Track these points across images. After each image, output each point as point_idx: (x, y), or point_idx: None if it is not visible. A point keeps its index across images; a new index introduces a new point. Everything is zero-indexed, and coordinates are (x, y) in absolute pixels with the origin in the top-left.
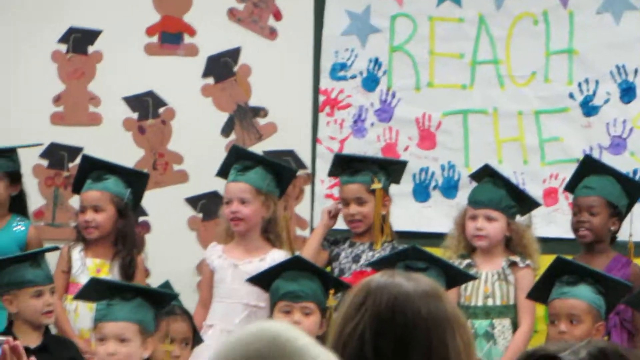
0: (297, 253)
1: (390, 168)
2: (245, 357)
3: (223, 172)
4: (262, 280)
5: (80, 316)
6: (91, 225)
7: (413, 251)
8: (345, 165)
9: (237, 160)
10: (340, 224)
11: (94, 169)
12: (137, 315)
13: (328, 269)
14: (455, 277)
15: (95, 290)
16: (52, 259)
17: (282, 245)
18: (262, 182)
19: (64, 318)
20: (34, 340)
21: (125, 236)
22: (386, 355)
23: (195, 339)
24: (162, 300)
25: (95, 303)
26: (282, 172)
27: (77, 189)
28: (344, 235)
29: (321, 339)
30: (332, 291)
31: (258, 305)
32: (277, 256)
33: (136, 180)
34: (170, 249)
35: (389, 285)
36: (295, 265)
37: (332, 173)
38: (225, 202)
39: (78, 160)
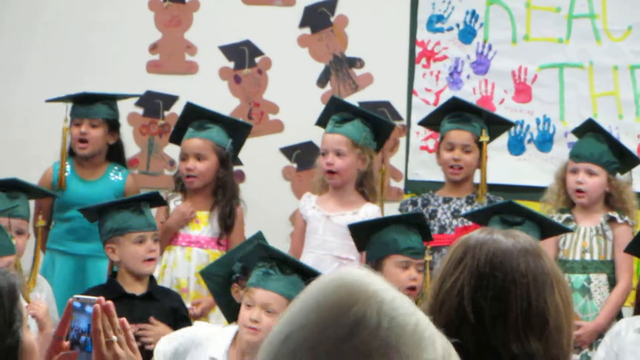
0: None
1: (495, 126)
2: (319, 305)
3: (322, 122)
4: (362, 230)
5: (178, 266)
6: (193, 174)
7: (509, 206)
8: (455, 111)
9: (335, 112)
10: (427, 175)
11: (197, 117)
12: (291, 291)
13: None
14: (550, 230)
15: (258, 256)
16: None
17: (376, 199)
18: (359, 135)
19: None
20: (138, 290)
21: (226, 186)
22: (485, 311)
23: None
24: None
25: (255, 268)
26: (380, 125)
27: (175, 137)
28: (427, 195)
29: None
30: (428, 247)
31: (348, 258)
32: (370, 211)
33: (238, 131)
34: (264, 198)
35: (487, 241)
36: (409, 221)
37: (433, 117)
38: (322, 154)
39: (173, 108)
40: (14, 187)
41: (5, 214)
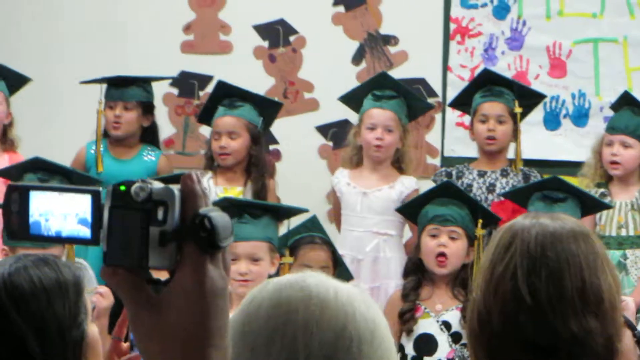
0: (445, 179)
1: (526, 100)
2: (275, 302)
3: (358, 92)
4: (410, 208)
5: None
6: (226, 152)
7: (554, 182)
8: (486, 85)
9: (377, 87)
10: (463, 151)
11: (228, 95)
12: (267, 233)
13: None
14: (591, 207)
15: (223, 209)
16: None
17: (410, 172)
18: (403, 114)
19: None
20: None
21: (258, 163)
22: (541, 292)
23: (339, 269)
24: (290, 217)
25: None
26: (416, 106)
27: (204, 116)
28: (462, 167)
29: (465, 267)
30: (480, 221)
31: (388, 233)
32: (407, 182)
33: (268, 109)
34: (301, 177)
35: (535, 225)
36: (445, 192)
37: (465, 93)
38: (368, 128)
39: (208, 89)
40: (43, 169)
41: None
